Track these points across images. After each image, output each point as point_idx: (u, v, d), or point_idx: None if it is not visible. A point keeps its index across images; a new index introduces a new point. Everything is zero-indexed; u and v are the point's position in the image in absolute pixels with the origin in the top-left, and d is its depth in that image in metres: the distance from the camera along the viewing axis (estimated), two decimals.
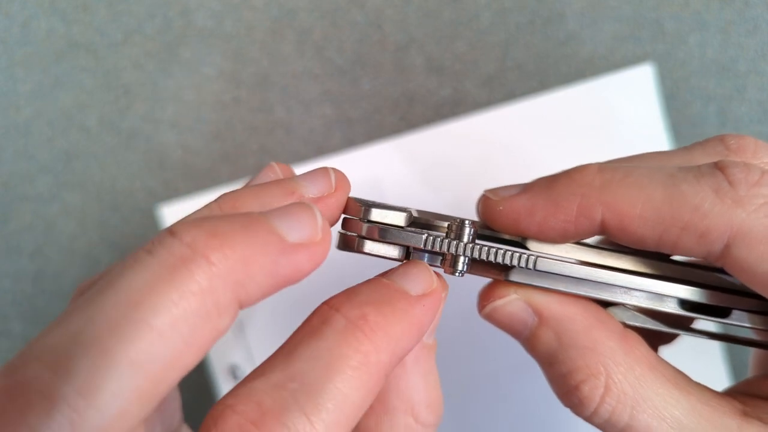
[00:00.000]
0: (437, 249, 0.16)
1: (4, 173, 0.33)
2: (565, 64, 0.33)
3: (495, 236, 0.17)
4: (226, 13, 0.33)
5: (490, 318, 0.17)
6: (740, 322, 0.16)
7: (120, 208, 0.33)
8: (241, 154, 0.33)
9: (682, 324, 0.17)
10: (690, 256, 0.16)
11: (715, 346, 0.33)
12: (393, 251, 0.17)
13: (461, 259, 0.16)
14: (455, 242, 0.16)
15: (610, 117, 0.33)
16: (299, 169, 0.33)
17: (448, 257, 0.16)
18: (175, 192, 0.33)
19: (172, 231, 0.13)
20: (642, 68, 0.33)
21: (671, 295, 0.16)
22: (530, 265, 0.16)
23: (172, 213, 0.33)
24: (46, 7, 0.32)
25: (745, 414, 0.15)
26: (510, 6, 0.33)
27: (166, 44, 0.33)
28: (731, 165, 0.15)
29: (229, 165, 0.33)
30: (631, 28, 0.33)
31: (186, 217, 0.15)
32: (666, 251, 0.16)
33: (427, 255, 0.17)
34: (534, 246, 0.17)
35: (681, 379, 0.16)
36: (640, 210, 0.15)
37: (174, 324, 0.12)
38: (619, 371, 0.15)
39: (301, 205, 0.14)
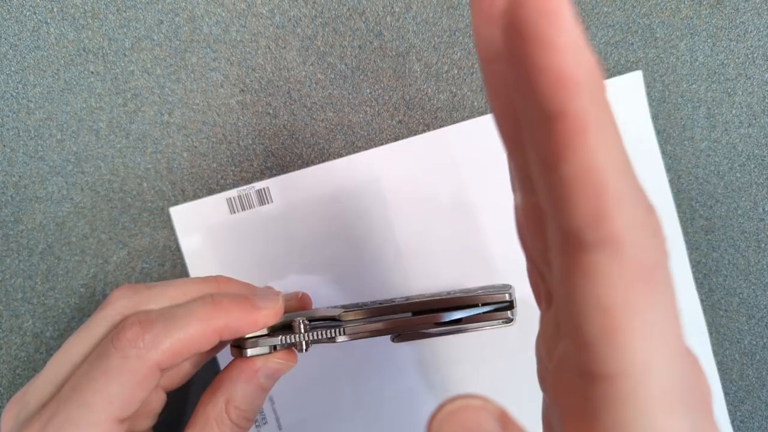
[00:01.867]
0: (289, 342, 0.25)
1: (15, 174, 0.33)
2: None
3: (320, 317, 0.26)
4: (231, 21, 0.33)
5: None
6: (470, 322, 0.26)
7: (129, 209, 0.34)
8: (247, 157, 0.34)
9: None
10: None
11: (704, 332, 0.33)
12: (264, 350, 0.25)
13: (303, 344, 0.25)
14: (297, 335, 0.25)
15: None
16: (302, 173, 0.34)
17: (297, 344, 0.25)
18: (182, 193, 0.34)
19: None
20: (632, 75, 0.33)
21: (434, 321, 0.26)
22: (341, 333, 0.25)
23: (179, 214, 0.33)
24: (56, 13, 0.33)
25: None
26: None
27: (174, 50, 0.33)
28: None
29: (234, 167, 0.34)
30: (622, 33, 0.33)
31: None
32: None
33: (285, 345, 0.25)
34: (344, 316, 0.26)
35: None
36: None
37: None
38: None
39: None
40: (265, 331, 0.25)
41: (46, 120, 0.33)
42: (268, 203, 0.33)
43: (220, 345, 0.25)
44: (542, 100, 0.12)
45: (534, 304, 0.19)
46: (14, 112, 0.33)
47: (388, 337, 0.27)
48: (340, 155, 0.33)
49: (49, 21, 0.33)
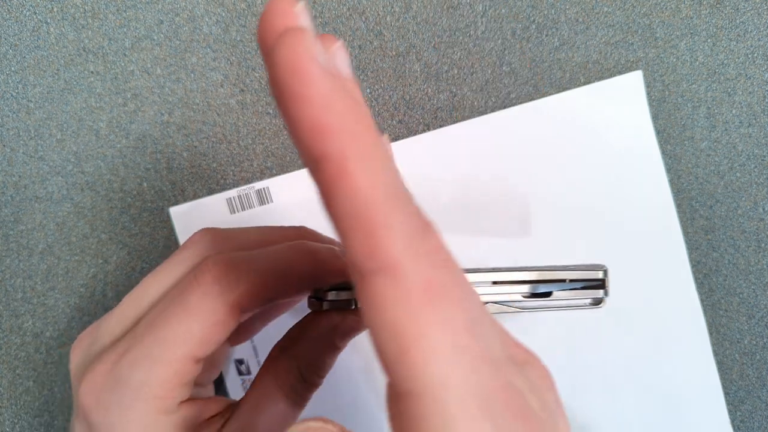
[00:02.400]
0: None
1: (15, 174, 0.33)
2: (558, 70, 0.33)
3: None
4: (231, 20, 0.33)
5: None
6: (558, 298, 0.23)
7: (129, 209, 0.34)
8: (247, 156, 0.34)
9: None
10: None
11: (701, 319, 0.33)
12: (346, 304, 0.22)
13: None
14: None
15: (602, 122, 0.33)
16: (302, 173, 0.34)
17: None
18: (182, 193, 0.34)
19: None
20: (632, 75, 0.33)
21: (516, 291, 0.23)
22: None
23: (179, 214, 0.33)
24: (56, 13, 0.33)
25: None
26: (505, 13, 0.33)
27: (174, 50, 0.33)
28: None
29: (234, 167, 0.34)
30: (623, 33, 0.33)
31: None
32: None
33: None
34: None
35: None
36: None
37: None
38: None
39: None
40: (348, 284, 0.22)
41: (46, 120, 0.33)
42: (268, 203, 0.33)
43: (293, 301, 0.24)
44: (304, 148, 0.13)
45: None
46: (14, 112, 0.33)
47: None
48: None
49: (49, 21, 0.33)
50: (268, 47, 0.13)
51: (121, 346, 0.20)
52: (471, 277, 0.22)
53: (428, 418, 0.12)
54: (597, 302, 0.23)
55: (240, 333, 0.25)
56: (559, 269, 0.23)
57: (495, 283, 0.23)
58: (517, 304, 0.23)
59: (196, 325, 0.20)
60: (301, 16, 0.14)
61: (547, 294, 0.23)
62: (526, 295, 0.23)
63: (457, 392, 0.12)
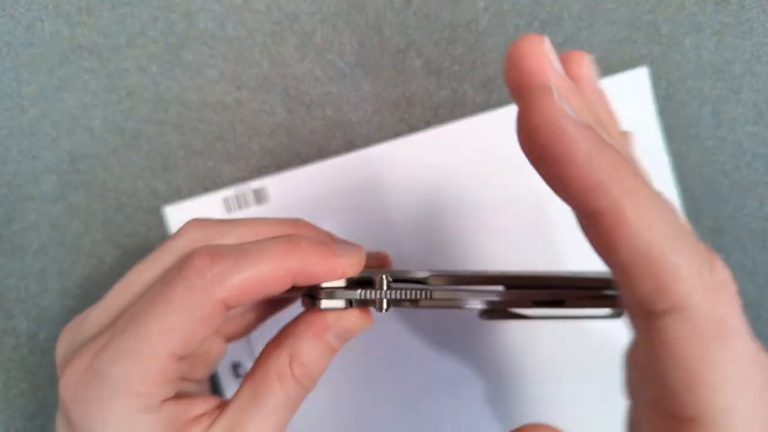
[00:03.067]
0: (367, 297, 0.21)
1: (8, 173, 0.33)
2: None
3: (404, 278, 0.22)
4: (227, 16, 0.33)
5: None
6: (571, 308, 0.22)
7: (123, 208, 0.33)
8: (243, 155, 0.33)
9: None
10: None
11: None
12: (340, 303, 0.22)
13: (384, 301, 0.22)
14: (378, 291, 0.22)
15: None
16: (300, 172, 0.33)
17: (376, 301, 0.22)
18: (177, 192, 0.33)
19: None
20: (637, 72, 0.33)
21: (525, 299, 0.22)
22: (428, 296, 0.22)
23: (175, 214, 0.33)
24: (50, 9, 0.33)
25: None
26: (508, 9, 0.33)
27: (169, 47, 0.33)
28: None
29: (231, 166, 0.33)
30: (627, 30, 0.33)
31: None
32: None
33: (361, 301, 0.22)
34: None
35: None
36: None
37: None
38: None
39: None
40: (342, 283, 0.22)
41: (40, 118, 0.33)
42: (265, 202, 0.33)
43: (287, 301, 0.24)
44: (575, 206, 0.14)
45: None
46: (8, 110, 0.33)
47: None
48: (339, 153, 0.33)
49: (43, 18, 0.33)
50: (518, 92, 0.15)
51: (103, 339, 0.20)
52: (481, 278, 0.22)
53: None
54: (618, 314, 0.22)
55: (234, 330, 0.25)
56: (578, 277, 0.22)
57: (509, 288, 0.22)
58: (530, 312, 0.23)
59: (178, 319, 0.19)
60: (549, 56, 0.15)
61: (561, 302, 0.22)
62: (540, 300, 0.22)
63: (743, 419, 0.14)
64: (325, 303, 0.22)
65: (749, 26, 0.33)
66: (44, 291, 0.33)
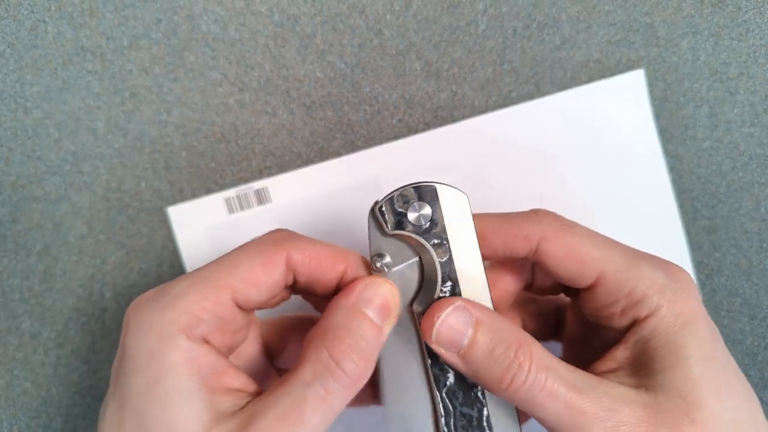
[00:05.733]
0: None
1: (12, 174, 0.33)
2: (560, 68, 0.33)
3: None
4: (230, 19, 0.33)
5: (440, 335, 0.21)
6: None
7: (126, 209, 0.33)
8: (245, 156, 0.33)
9: None
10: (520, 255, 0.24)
11: None
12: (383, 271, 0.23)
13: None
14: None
15: (604, 121, 0.33)
16: (301, 173, 0.33)
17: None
18: (180, 193, 0.33)
19: None
20: (634, 73, 0.33)
21: None
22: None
23: (177, 214, 0.33)
24: (53, 11, 0.33)
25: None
26: (506, 11, 0.33)
27: (172, 49, 0.33)
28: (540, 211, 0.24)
29: (233, 167, 0.34)
30: (624, 32, 0.33)
31: None
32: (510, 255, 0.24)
33: None
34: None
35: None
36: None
37: None
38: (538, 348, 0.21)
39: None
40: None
41: (43, 119, 0.33)
42: (267, 203, 0.33)
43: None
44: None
45: None
46: (12, 112, 0.33)
47: None
48: (340, 154, 0.33)
49: (47, 20, 0.33)
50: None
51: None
52: None
53: None
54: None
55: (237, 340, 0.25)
56: None
57: None
58: None
59: (245, 256, 0.21)
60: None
61: None
62: None
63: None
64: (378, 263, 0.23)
65: (745, 28, 0.33)
66: (48, 290, 0.34)
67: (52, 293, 0.34)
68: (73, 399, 0.34)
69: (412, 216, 0.22)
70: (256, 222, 0.33)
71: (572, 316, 0.27)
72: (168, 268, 0.34)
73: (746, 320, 0.34)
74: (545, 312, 0.29)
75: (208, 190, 0.33)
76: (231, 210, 0.33)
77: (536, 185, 0.33)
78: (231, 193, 0.33)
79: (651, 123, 0.33)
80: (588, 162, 0.33)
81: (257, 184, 0.33)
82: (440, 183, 0.22)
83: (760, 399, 0.34)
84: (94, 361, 0.34)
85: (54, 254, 0.33)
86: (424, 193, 0.22)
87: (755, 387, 0.34)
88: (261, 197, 0.33)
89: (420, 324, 0.22)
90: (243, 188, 0.33)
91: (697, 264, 0.34)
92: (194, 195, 0.33)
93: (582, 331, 0.26)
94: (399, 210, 0.22)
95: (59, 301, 0.34)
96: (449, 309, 0.21)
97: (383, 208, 0.22)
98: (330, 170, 0.33)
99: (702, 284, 0.34)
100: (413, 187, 0.22)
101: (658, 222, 0.33)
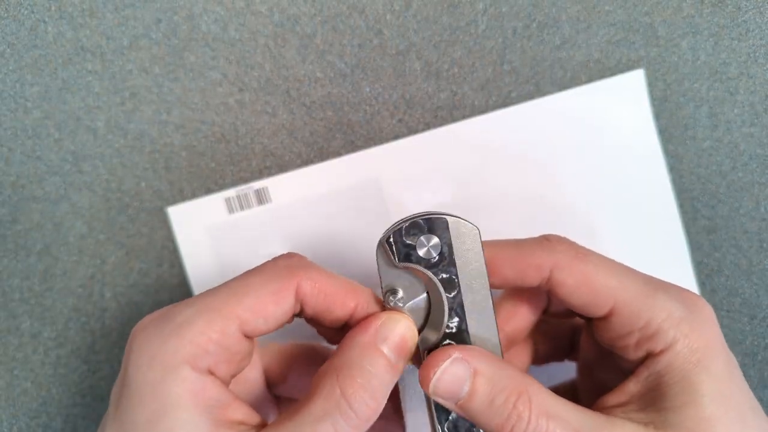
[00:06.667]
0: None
1: (12, 174, 0.33)
2: (560, 68, 0.33)
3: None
4: (230, 19, 0.33)
5: (438, 388, 0.21)
6: None
7: (126, 209, 0.33)
8: (245, 156, 0.33)
9: None
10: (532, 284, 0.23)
11: None
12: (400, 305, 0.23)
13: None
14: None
15: (603, 121, 0.33)
16: (301, 173, 0.33)
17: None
18: (180, 193, 0.34)
19: None
20: (634, 73, 0.33)
21: None
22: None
23: (177, 214, 0.33)
24: (53, 11, 0.33)
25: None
26: (506, 11, 0.33)
27: (172, 48, 0.33)
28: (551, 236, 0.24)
29: (233, 167, 0.34)
30: (624, 32, 0.33)
31: None
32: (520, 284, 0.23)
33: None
34: None
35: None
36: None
37: None
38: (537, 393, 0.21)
39: None
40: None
41: (43, 119, 0.33)
42: (267, 203, 0.33)
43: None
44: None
45: None
46: (12, 111, 0.33)
47: None
48: (340, 155, 0.33)
49: (47, 20, 0.33)
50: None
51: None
52: None
53: None
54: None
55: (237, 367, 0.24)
56: None
57: None
58: None
59: (256, 281, 0.21)
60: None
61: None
62: None
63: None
64: (391, 301, 0.23)
65: (745, 28, 0.33)
66: (48, 291, 0.34)
67: (52, 293, 0.34)
68: (73, 399, 0.34)
69: (421, 249, 0.22)
70: (256, 222, 0.33)
71: (587, 340, 0.27)
72: (168, 268, 0.34)
73: (746, 320, 0.34)
74: (560, 334, 0.28)
75: (208, 190, 0.33)
76: (231, 210, 0.33)
77: (536, 185, 0.33)
78: (231, 193, 0.33)
79: (651, 123, 0.33)
80: (588, 162, 0.33)
81: (257, 184, 0.33)
82: (451, 215, 0.22)
83: (760, 399, 0.34)
84: (94, 361, 0.34)
85: (54, 254, 0.33)
86: (435, 225, 0.22)
87: (755, 387, 0.34)
88: (261, 197, 0.33)
89: (419, 371, 0.22)
90: (243, 188, 0.33)
91: (697, 264, 0.34)
92: (194, 195, 0.33)
93: (597, 356, 0.26)
94: (408, 242, 0.22)
95: (59, 301, 0.34)
96: (447, 362, 0.21)
97: (391, 239, 0.22)
98: (330, 170, 0.33)
99: (702, 284, 0.34)
100: (423, 219, 0.22)
101: (658, 222, 0.33)
